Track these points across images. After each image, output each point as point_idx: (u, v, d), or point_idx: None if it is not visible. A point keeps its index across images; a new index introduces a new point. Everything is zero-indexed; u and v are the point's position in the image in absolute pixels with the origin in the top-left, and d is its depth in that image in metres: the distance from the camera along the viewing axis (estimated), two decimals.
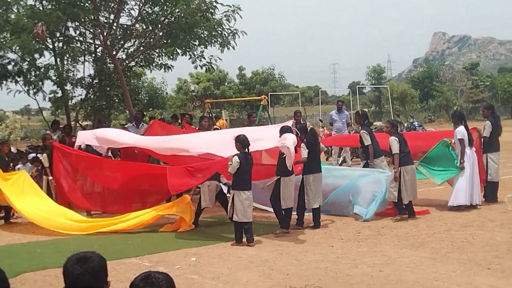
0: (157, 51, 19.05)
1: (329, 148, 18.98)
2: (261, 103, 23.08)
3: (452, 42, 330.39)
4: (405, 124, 25.02)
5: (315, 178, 10.99)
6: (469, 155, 11.93)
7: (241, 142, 9.95)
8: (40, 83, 18.71)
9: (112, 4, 17.95)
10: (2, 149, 13.76)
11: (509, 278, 7.23)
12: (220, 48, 17.48)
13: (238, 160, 9.73)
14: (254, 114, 16.95)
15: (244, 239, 9.86)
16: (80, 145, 12.97)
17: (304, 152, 10.68)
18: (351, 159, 19.36)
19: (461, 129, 12.03)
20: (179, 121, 18.75)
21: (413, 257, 8.44)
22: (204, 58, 18.27)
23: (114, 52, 17.82)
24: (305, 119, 46.44)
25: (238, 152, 9.90)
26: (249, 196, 9.87)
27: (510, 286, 6.92)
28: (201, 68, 18.99)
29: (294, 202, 10.87)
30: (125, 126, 15.69)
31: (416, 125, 24.53)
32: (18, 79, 18.56)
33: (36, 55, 17.60)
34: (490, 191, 12.56)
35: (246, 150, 9.93)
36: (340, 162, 19.35)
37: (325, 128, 24.91)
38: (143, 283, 3.03)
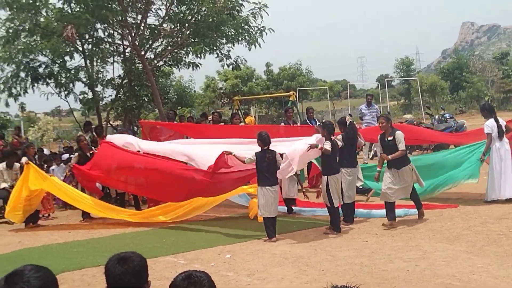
0: (184, 50, 19.16)
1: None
2: (290, 99, 23.04)
3: (481, 31, 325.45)
4: (436, 116, 24.69)
5: (351, 173, 10.90)
6: (498, 148, 11.70)
7: (262, 140, 10.13)
8: (71, 84, 18.93)
9: (139, 5, 18.09)
10: (28, 152, 13.97)
11: None
12: (247, 46, 17.50)
13: (255, 158, 10.01)
14: (290, 109, 16.94)
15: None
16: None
17: (339, 143, 10.57)
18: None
19: (489, 122, 11.82)
20: (209, 119, 18.84)
21: (449, 250, 8.37)
22: (230, 57, 18.36)
23: (143, 52, 17.98)
24: (334, 114, 46.28)
25: (260, 149, 10.12)
26: (272, 191, 9.96)
27: None
28: (228, 66, 19.09)
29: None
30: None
31: (447, 117, 24.17)
32: (49, 82, 18.79)
33: (67, 58, 17.83)
34: None
35: (266, 148, 10.09)
36: (371, 156, 19.27)
37: (354, 122, 24.72)
38: (186, 283, 3.06)
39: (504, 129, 11.92)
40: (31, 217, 12.59)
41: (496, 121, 11.89)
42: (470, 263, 7.65)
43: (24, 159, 13.19)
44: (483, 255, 8.04)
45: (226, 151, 10.74)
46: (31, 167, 12.39)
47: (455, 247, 8.55)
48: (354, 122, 12.03)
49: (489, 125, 11.78)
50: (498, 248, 8.31)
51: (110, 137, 13.67)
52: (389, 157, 10.39)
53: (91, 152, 13.70)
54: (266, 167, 9.97)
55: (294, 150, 10.13)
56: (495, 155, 11.70)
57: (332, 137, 10.37)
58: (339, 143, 10.59)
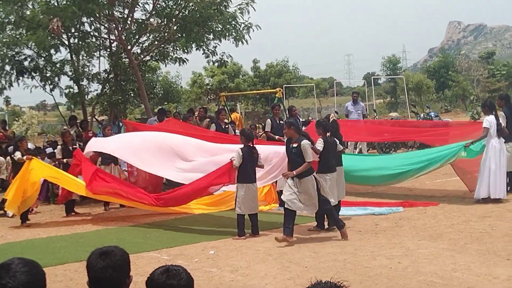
0: (171, 45, 19.10)
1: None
2: (276, 95, 23.06)
3: (468, 31, 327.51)
4: (422, 115, 24.83)
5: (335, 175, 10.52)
6: (494, 146, 11.66)
7: (246, 136, 10.10)
8: (56, 78, 18.80)
9: None
10: (21, 145, 13.85)
11: None
12: (235, 42, 17.47)
13: (241, 154, 9.85)
14: (277, 106, 16.91)
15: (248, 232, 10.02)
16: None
17: (320, 146, 10.03)
18: (367, 150, 19.33)
19: (489, 118, 11.81)
20: (196, 114, 18.81)
21: (432, 248, 8.42)
22: (216, 54, 18.32)
23: (129, 47, 17.88)
24: (320, 111, 46.33)
25: (242, 146, 10.03)
26: (253, 188, 9.99)
27: None
28: (213, 63, 19.05)
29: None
30: (146, 119, 15.80)
31: (432, 115, 24.31)
32: (35, 75, 18.66)
33: (52, 51, 17.70)
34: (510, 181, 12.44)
35: (250, 144, 10.03)
36: (356, 153, 19.32)
37: (336, 117, 24.78)
38: (164, 277, 3.06)
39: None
40: (26, 214, 12.45)
41: (497, 118, 11.90)
42: (452, 260, 7.71)
43: (18, 154, 13.02)
44: (465, 253, 8.10)
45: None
46: (34, 160, 12.24)
47: (437, 245, 8.61)
48: (333, 116, 11.90)
49: (489, 120, 11.77)
50: (480, 246, 8.38)
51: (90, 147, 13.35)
52: (294, 172, 9.40)
53: (74, 147, 13.59)
54: (250, 164, 9.94)
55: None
56: (491, 152, 11.64)
57: (327, 134, 10.25)
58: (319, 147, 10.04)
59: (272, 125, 15.46)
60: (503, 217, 10.26)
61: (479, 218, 10.26)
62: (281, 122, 15.88)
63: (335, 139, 10.44)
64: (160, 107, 19.07)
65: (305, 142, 9.42)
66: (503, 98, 13.21)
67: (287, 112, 26.18)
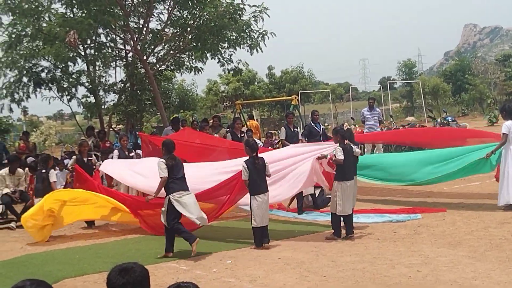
0: (186, 54, 19.19)
1: (362, 145, 18.86)
2: (292, 103, 23.11)
3: (484, 33, 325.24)
4: (438, 119, 24.73)
5: (346, 185, 10.43)
6: None
7: (250, 146, 9.99)
8: (73, 89, 18.97)
9: (141, 9, 18.11)
10: (83, 152, 13.70)
11: None
12: (249, 50, 17.51)
13: (246, 166, 9.78)
14: (291, 114, 16.88)
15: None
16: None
17: (340, 154, 10.15)
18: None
19: (508, 123, 11.55)
20: (211, 122, 18.85)
21: (451, 256, 8.36)
22: (232, 62, 18.37)
23: (145, 57, 18.00)
24: (336, 116, 46.27)
25: (247, 157, 9.97)
26: (265, 198, 9.86)
27: None
28: (229, 71, 19.08)
29: None
30: (123, 133, 15.80)
31: (449, 119, 24.25)
32: (52, 86, 18.82)
33: (69, 63, 17.87)
34: None
35: (255, 155, 9.92)
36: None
37: (357, 126, 24.80)
38: None
39: None
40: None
41: None
42: (472, 268, 7.64)
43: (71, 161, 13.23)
44: (485, 260, 8.02)
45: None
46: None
47: (457, 252, 8.54)
48: (354, 127, 11.92)
49: (508, 125, 11.51)
50: (500, 253, 8.30)
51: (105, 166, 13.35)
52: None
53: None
54: (257, 175, 9.81)
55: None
56: (510, 158, 11.44)
57: (345, 141, 10.26)
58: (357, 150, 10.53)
59: (287, 133, 15.48)
60: None
61: (498, 225, 10.16)
62: (295, 129, 15.91)
63: (350, 147, 10.35)
64: (174, 115, 19.08)
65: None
66: (504, 110, 12.62)
67: (303, 118, 26.31)
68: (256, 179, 9.80)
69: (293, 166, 11.05)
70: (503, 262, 7.83)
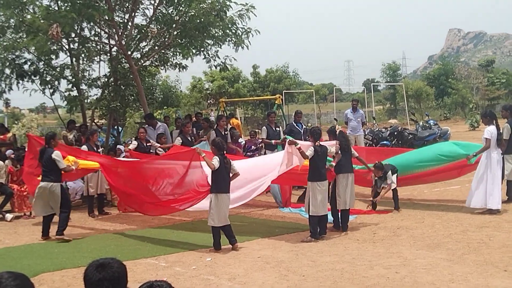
0: (171, 50, 19.09)
1: None
2: (276, 102, 23.11)
3: (468, 38, 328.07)
4: (421, 123, 24.87)
5: (347, 178, 10.86)
6: (493, 157, 11.58)
7: (216, 146, 9.90)
8: (56, 82, 18.78)
9: (127, 4, 17.98)
10: (92, 139, 13.82)
11: None
12: (235, 47, 17.48)
13: (218, 159, 9.63)
14: (273, 113, 16.89)
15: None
16: None
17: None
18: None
19: (490, 128, 11.72)
20: (194, 119, 18.82)
21: (429, 258, 8.42)
22: (218, 57, 18.30)
23: (129, 52, 17.88)
24: (319, 117, 46.37)
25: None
26: (227, 198, 9.74)
27: None
28: (215, 68, 19.03)
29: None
30: (144, 127, 15.74)
31: (431, 123, 24.40)
32: (34, 79, 18.63)
33: (52, 56, 17.68)
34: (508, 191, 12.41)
35: (222, 154, 9.82)
36: None
37: (340, 126, 24.86)
38: None
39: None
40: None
41: (498, 128, 11.82)
42: (450, 271, 7.71)
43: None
44: (463, 263, 8.10)
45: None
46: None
47: (435, 255, 8.61)
48: (339, 127, 12.03)
49: (490, 130, 11.68)
50: (478, 257, 8.38)
51: None
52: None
53: None
54: (224, 173, 9.70)
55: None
56: (488, 163, 11.57)
57: (317, 142, 10.29)
58: (332, 150, 10.60)
59: (268, 132, 15.49)
60: (501, 227, 10.26)
61: (477, 228, 10.26)
62: (277, 129, 15.92)
63: (324, 148, 10.39)
64: (150, 112, 18.87)
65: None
66: (508, 109, 12.80)
67: (287, 118, 26.34)
68: (222, 177, 9.68)
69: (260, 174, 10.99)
70: (480, 266, 7.91)
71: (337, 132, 11.27)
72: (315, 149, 10.13)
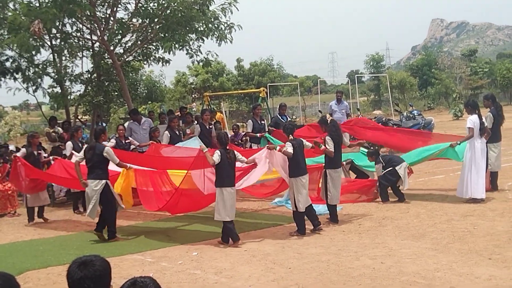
0: (154, 45, 19.00)
1: None
2: (260, 95, 23.07)
3: (450, 28, 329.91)
4: (404, 113, 24.97)
5: (337, 173, 10.78)
6: (476, 146, 11.61)
7: (219, 140, 9.85)
8: (39, 79, 18.65)
9: None
10: (76, 136, 13.69)
11: (510, 268, 7.26)
12: (218, 42, 17.42)
13: (220, 154, 9.53)
14: (259, 106, 16.86)
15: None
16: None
17: (331, 145, 10.51)
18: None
19: (473, 117, 11.76)
20: (178, 114, 18.73)
21: (414, 248, 8.47)
22: (201, 53, 18.23)
23: (112, 47, 17.78)
24: (304, 109, 46.43)
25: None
26: (232, 192, 9.62)
27: (511, 276, 6.94)
28: (198, 63, 18.95)
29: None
30: (124, 124, 15.61)
31: (415, 113, 24.49)
32: (17, 76, 18.50)
33: (34, 52, 17.54)
34: (492, 180, 12.51)
35: (225, 148, 9.71)
36: None
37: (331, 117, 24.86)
38: None
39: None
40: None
41: (479, 118, 11.84)
42: (435, 260, 7.76)
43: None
44: (447, 252, 8.15)
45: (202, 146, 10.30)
46: None
47: (420, 244, 8.66)
48: (330, 117, 11.85)
49: (472, 119, 11.72)
50: (462, 246, 8.44)
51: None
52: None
53: (39, 152, 13.24)
54: (228, 167, 9.60)
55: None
56: (472, 152, 11.61)
57: (290, 136, 10.17)
58: (308, 144, 10.49)
59: (254, 126, 15.48)
60: (485, 216, 10.34)
61: (461, 217, 10.33)
62: (262, 122, 15.91)
63: (299, 140, 10.30)
64: (134, 108, 18.67)
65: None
66: (489, 98, 12.95)
67: (272, 111, 26.33)
68: (227, 171, 9.58)
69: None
70: (465, 254, 7.97)
71: (329, 121, 11.09)
72: (292, 144, 10.00)
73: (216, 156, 9.49)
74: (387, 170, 12.18)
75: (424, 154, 12.72)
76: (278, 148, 10.15)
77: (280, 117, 16.27)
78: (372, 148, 12.60)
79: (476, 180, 11.50)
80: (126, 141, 14.41)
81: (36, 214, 12.75)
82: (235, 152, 9.93)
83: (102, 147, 10.47)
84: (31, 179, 12.44)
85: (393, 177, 12.16)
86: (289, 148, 9.90)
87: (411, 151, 13.01)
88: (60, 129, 16.74)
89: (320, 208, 11.22)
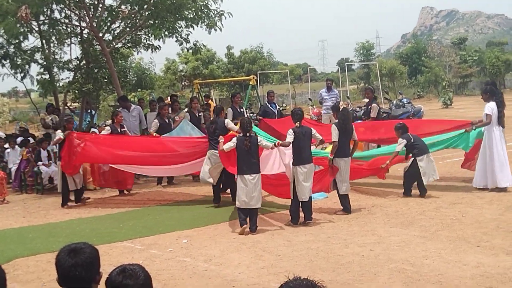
0: (143, 32, 18.88)
1: None
2: (250, 83, 23.01)
3: (440, 16, 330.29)
4: (394, 101, 25.00)
5: (345, 162, 10.49)
6: (496, 134, 11.40)
7: (242, 126, 9.75)
8: (27, 66, 18.50)
9: None
10: (68, 127, 13.35)
11: (498, 255, 7.32)
12: (208, 29, 17.34)
13: (235, 141, 9.54)
14: (238, 94, 16.75)
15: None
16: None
17: (335, 134, 10.26)
18: None
19: (491, 104, 11.50)
20: (168, 101, 18.67)
21: (403, 235, 8.52)
22: (189, 42, 18.16)
23: (101, 34, 17.65)
24: (294, 97, 46.40)
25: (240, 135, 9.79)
26: (251, 180, 9.42)
27: (499, 263, 6.99)
28: (188, 50, 18.88)
29: None
30: (118, 110, 15.41)
31: (405, 101, 24.53)
32: (5, 63, 18.35)
33: (21, 38, 17.38)
34: None
35: (248, 135, 9.56)
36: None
37: (314, 106, 24.94)
38: (121, 277, 3.07)
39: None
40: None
41: (498, 105, 11.57)
42: (423, 247, 7.81)
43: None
44: (436, 239, 8.21)
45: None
46: None
47: (409, 232, 8.71)
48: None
49: (491, 106, 11.46)
50: (451, 233, 8.50)
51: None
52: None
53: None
54: (244, 154, 9.47)
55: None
56: (493, 141, 11.38)
57: (297, 123, 9.83)
58: (318, 136, 10.12)
59: (234, 113, 15.37)
60: (473, 203, 10.40)
61: (450, 205, 10.39)
62: (241, 110, 15.81)
63: (307, 129, 9.98)
64: (123, 94, 18.51)
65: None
66: (488, 92, 12.01)
67: (262, 99, 26.28)
68: (244, 158, 9.46)
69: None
70: (453, 242, 8.02)
71: (341, 109, 10.65)
72: (294, 131, 9.75)
73: (230, 143, 9.57)
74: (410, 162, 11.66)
75: (438, 147, 12.51)
76: (271, 145, 9.95)
77: (268, 105, 16.26)
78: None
79: (500, 169, 11.28)
80: (122, 129, 14.18)
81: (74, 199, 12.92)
82: (258, 138, 9.80)
83: (223, 121, 11.71)
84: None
85: (415, 170, 11.47)
86: (289, 137, 9.72)
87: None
88: (56, 116, 16.69)
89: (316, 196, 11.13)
